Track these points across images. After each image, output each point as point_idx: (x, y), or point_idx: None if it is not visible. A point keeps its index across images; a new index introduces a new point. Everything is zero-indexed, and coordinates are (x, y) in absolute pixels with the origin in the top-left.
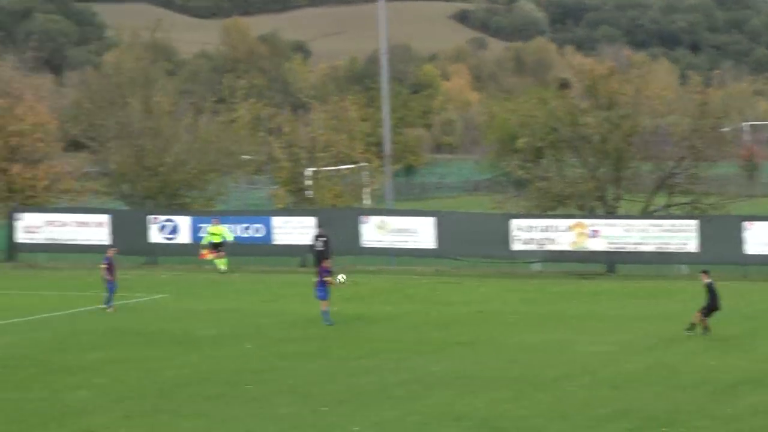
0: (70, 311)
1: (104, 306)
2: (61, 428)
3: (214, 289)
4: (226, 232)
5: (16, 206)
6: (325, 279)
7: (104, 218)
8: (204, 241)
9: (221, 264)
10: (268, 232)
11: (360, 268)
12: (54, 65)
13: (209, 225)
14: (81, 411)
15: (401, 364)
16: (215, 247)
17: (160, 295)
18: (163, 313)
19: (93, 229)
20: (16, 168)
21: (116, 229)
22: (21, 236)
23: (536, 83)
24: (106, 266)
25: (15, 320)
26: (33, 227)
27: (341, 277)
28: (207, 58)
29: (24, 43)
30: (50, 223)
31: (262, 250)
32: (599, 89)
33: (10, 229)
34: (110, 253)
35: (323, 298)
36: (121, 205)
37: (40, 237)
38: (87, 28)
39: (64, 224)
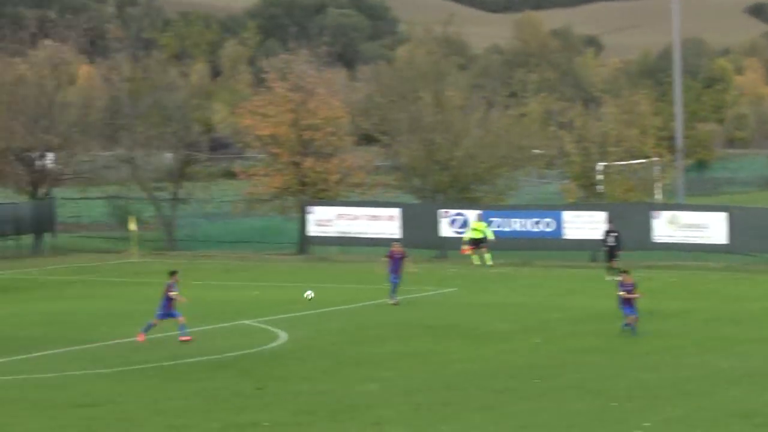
0: (360, 304)
1: (390, 299)
2: (350, 420)
3: (503, 284)
4: (487, 229)
5: (308, 199)
6: (622, 294)
7: (395, 212)
8: (466, 237)
9: (488, 259)
10: (558, 227)
11: (650, 263)
12: (347, 59)
13: (472, 220)
14: (370, 404)
15: (691, 360)
16: (476, 243)
17: (449, 289)
18: (451, 306)
19: (384, 223)
20: (308, 162)
21: (406, 223)
22: (312, 229)
23: None
24: (386, 260)
25: (306, 313)
26: (324, 220)
27: (309, 294)
28: (499, 53)
29: (317, 37)
30: (341, 216)
31: (552, 245)
32: None
33: (302, 223)
34: (395, 247)
35: (630, 313)
36: (411, 199)
37: (331, 230)
38: (380, 23)
39: (355, 218)
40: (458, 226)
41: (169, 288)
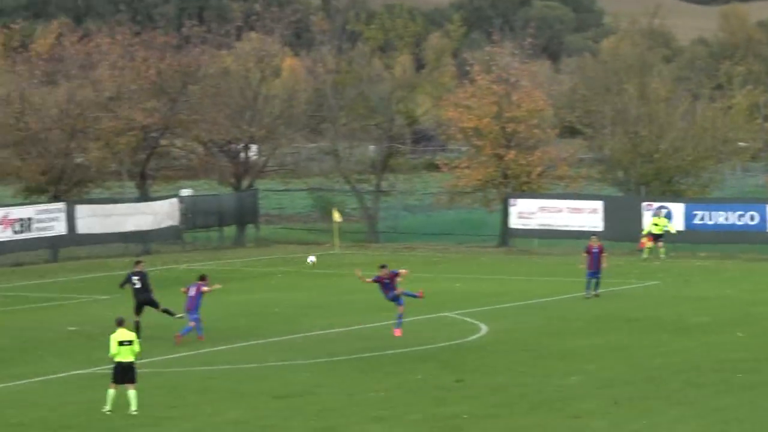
0: (561, 297)
1: (586, 293)
2: (549, 413)
3: (706, 277)
4: (668, 224)
5: (511, 192)
6: None
7: (597, 204)
8: (646, 230)
9: (662, 252)
10: (763, 220)
11: None
12: (551, 52)
13: (654, 215)
14: (570, 396)
15: None
16: (655, 237)
17: (652, 282)
18: (654, 299)
19: (586, 216)
20: (511, 154)
21: (609, 216)
22: (514, 222)
23: None
24: (585, 255)
25: (508, 305)
26: (526, 213)
27: (311, 259)
28: (705, 45)
29: (522, 29)
30: (543, 209)
31: (756, 238)
32: None
33: (504, 215)
34: (592, 242)
35: None
36: (614, 192)
37: (533, 223)
38: (585, 15)
39: (558, 210)
40: None
41: (378, 279)
